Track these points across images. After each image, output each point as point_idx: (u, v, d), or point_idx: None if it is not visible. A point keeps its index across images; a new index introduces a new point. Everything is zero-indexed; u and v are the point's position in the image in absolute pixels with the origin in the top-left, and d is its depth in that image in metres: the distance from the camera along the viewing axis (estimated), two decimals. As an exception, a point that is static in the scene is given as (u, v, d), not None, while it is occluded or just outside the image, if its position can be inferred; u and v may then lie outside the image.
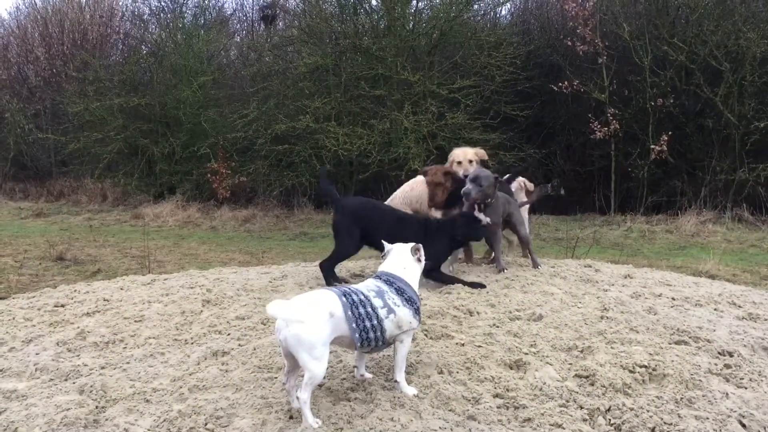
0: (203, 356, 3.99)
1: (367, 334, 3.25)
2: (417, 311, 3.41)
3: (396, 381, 3.45)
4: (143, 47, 19.71)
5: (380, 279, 3.47)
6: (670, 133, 12.91)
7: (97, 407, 3.36)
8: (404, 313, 3.35)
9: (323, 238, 11.72)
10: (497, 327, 4.45)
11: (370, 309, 3.26)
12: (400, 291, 3.40)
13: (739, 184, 12.78)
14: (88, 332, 4.50)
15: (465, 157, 6.27)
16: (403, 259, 3.55)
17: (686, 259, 9.27)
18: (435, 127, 14.02)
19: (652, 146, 13.05)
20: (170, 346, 4.25)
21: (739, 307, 5.11)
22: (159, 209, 14.83)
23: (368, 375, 3.61)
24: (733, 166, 12.92)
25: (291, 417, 3.22)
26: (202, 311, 4.85)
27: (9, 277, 7.85)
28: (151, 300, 5.24)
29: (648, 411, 3.27)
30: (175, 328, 4.55)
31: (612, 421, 3.19)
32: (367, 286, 3.40)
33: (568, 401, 3.39)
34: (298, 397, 3.06)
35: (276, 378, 3.67)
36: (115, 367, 3.91)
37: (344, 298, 3.23)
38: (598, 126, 13.46)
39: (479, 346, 4.05)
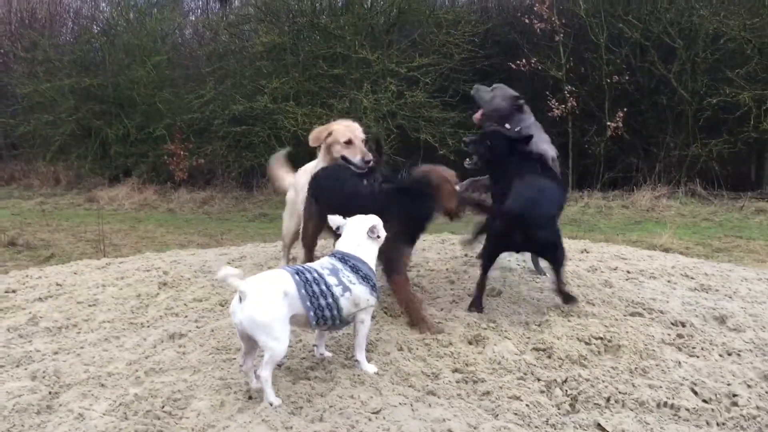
0: (160, 339, 3.93)
1: (322, 312, 3.22)
2: (374, 288, 3.39)
3: (357, 360, 3.44)
4: (94, 26, 19.14)
5: (335, 257, 3.42)
6: (625, 110, 13.08)
7: (50, 393, 3.30)
8: (360, 290, 3.32)
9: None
10: (456, 303, 4.48)
11: (324, 287, 3.23)
12: (355, 268, 3.37)
13: (692, 160, 13.04)
14: (41, 317, 4.41)
15: (356, 134, 4.58)
16: (356, 236, 3.50)
17: (641, 233, 9.45)
18: (395, 105, 13.96)
19: (609, 123, 13.20)
20: (125, 329, 4.18)
21: (692, 278, 5.24)
22: (114, 192, 14.53)
23: (328, 354, 3.60)
24: (687, 141, 13.17)
25: (250, 398, 3.19)
26: (158, 294, 4.78)
27: (-42, 263, 7.63)
28: (106, 284, 5.15)
29: (603, 381, 3.33)
30: (130, 312, 4.48)
31: (569, 392, 3.25)
32: (322, 264, 3.36)
33: (525, 374, 3.43)
34: (258, 375, 3.04)
35: (234, 359, 3.64)
36: (68, 352, 3.84)
37: (297, 277, 3.20)
38: (556, 103, 13.55)
39: (438, 322, 4.07)
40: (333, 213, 3.63)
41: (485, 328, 3.98)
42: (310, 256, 4.50)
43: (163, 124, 15.22)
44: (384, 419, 3.01)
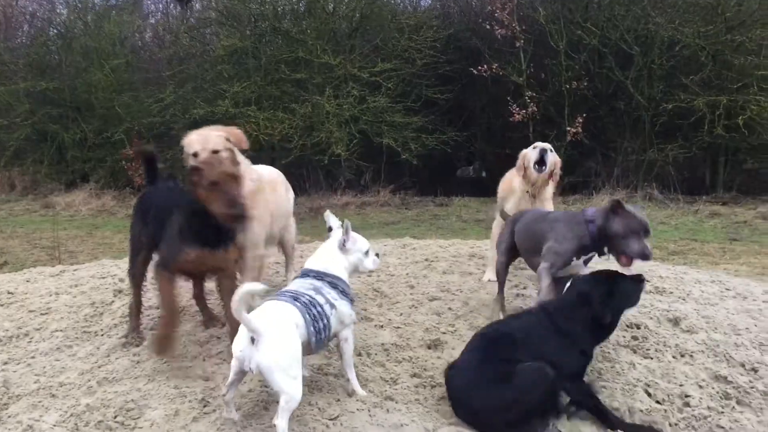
0: (113, 348, 3.85)
1: (320, 335, 3.07)
2: (353, 303, 3.28)
3: (348, 379, 3.29)
4: (51, 29, 18.75)
5: (309, 276, 3.26)
6: (584, 115, 13.28)
7: (-2, 405, 3.20)
8: (344, 306, 3.20)
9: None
10: (416, 308, 4.48)
11: (319, 309, 3.08)
12: (333, 284, 3.24)
13: (649, 164, 13.31)
14: (-9, 326, 4.28)
15: (205, 145, 3.82)
16: (328, 252, 3.36)
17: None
18: (357, 110, 13.96)
19: (568, 128, 13.39)
20: (78, 338, 4.09)
21: (647, 281, 5.30)
22: (71, 198, 14.23)
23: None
24: (644, 146, 13.43)
25: (205, 406, 3.15)
26: (113, 302, 4.68)
27: None
28: (60, 291, 5.02)
29: (560, 384, 3.35)
30: (84, 320, 4.38)
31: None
32: (302, 286, 3.18)
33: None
34: (274, 425, 2.75)
35: (190, 366, 3.59)
36: (18, 362, 3.74)
37: (298, 303, 3.04)
38: (517, 109, 13.71)
39: (398, 328, 4.07)
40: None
41: (444, 333, 4.00)
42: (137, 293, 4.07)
43: (122, 128, 14.97)
44: (342, 425, 2.99)
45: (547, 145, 5.23)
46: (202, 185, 3.41)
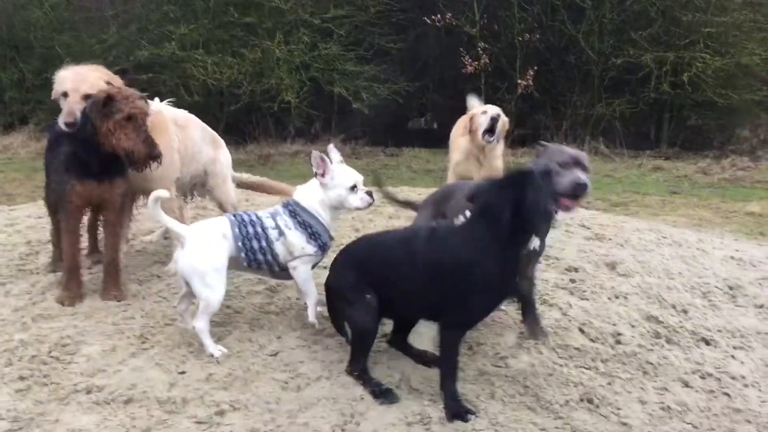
0: (49, 286, 3.77)
1: (254, 255, 3.16)
2: (313, 237, 3.23)
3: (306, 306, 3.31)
4: (-14, -38, 17.76)
5: (282, 204, 3.33)
6: (536, 68, 13.32)
7: None
8: (294, 236, 3.20)
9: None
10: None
11: (259, 229, 3.17)
12: (294, 213, 3.24)
13: (597, 118, 13.47)
14: None
15: (78, 85, 3.55)
16: (309, 184, 3.33)
17: (547, 188, 9.71)
18: (308, 57, 13.69)
19: (519, 81, 13.43)
20: (13, 276, 3.99)
21: (588, 228, 5.44)
22: (9, 140, 13.70)
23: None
24: (592, 101, 13.58)
25: (144, 342, 3.12)
26: (49, 241, 4.56)
27: None
28: (-6, 230, 4.88)
29: (498, 324, 3.43)
30: (19, 258, 4.28)
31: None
32: (268, 210, 3.31)
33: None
34: (194, 326, 3.03)
35: (129, 305, 3.55)
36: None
37: (233, 218, 3.19)
38: (469, 60, 13.65)
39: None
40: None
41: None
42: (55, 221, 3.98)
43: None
44: (281, 361, 3.01)
45: (497, 111, 5.24)
46: (113, 118, 3.28)
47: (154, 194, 3.00)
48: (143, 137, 3.33)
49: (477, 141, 5.26)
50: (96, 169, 3.42)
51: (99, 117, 3.28)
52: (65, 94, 3.55)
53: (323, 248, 3.28)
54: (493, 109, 5.34)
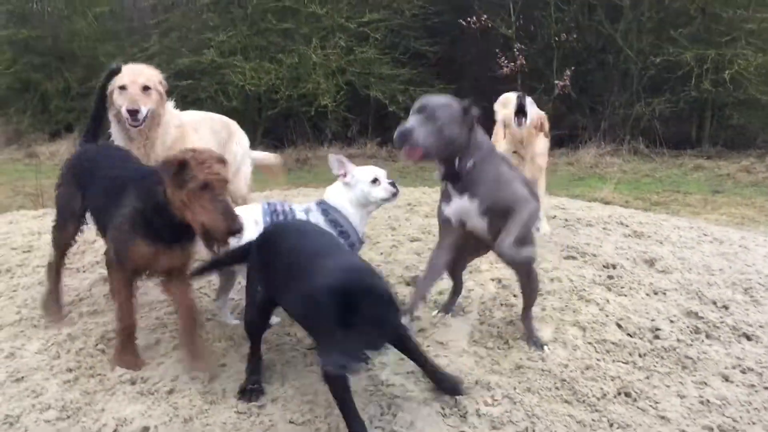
0: (95, 283, 3.89)
1: None
2: (341, 235, 3.30)
3: None
4: (32, -25, 18.32)
5: (316, 203, 3.42)
6: (573, 68, 13.21)
7: (-20, 334, 3.24)
8: None
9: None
10: (396, 248, 4.53)
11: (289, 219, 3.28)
12: (325, 212, 3.33)
13: (636, 118, 13.30)
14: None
15: (135, 78, 3.67)
16: (333, 186, 3.45)
17: (584, 188, 9.65)
18: (344, 61, 13.81)
19: (557, 82, 13.33)
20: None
21: (626, 226, 5.38)
22: (55, 147, 14.07)
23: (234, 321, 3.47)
24: (631, 100, 13.41)
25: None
26: (95, 241, 4.68)
27: None
28: (42, 232, 5.02)
29: (534, 318, 3.43)
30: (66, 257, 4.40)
31: (499, 333, 3.35)
32: (300, 205, 3.41)
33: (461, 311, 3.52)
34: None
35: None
36: (0, 296, 3.77)
37: (266, 206, 3.29)
38: (505, 62, 13.60)
39: (378, 266, 4.12)
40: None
41: (423, 270, 4.04)
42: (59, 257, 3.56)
43: (106, 78, 14.74)
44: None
45: (523, 95, 4.99)
46: (188, 187, 2.76)
47: None
48: (222, 209, 2.77)
49: (513, 133, 4.92)
50: (167, 235, 2.93)
51: (171, 185, 2.79)
52: (122, 87, 3.64)
53: (351, 248, 3.32)
54: (514, 94, 5.04)
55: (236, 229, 2.79)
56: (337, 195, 3.37)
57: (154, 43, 14.41)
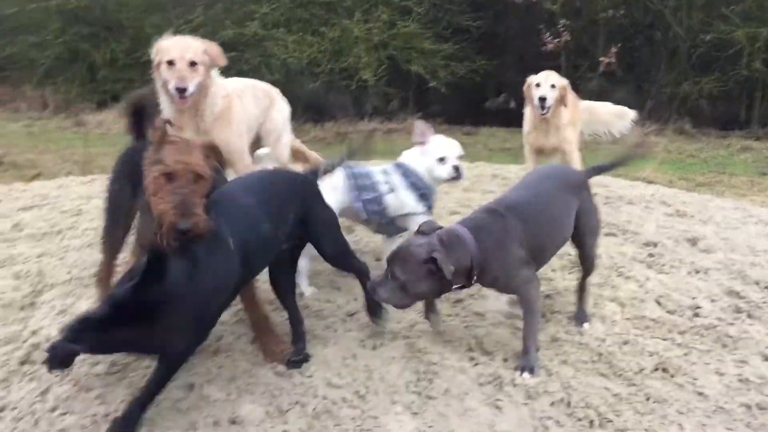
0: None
1: (365, 205, 3.45)
2: (423, 198, 3.52)
3: None
4: (81, -54, 18.55)
5: (394, 164, 3.63)
6: (619, 45, 12.94)
7: (33, 291, 3.39)
8: (404, 194, 3.49)
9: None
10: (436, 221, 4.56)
11: (369, 182, 3.46)
12: (406, 174, 3.53)
13: (683, 97, 13.00)
14: (25, 225, 4.46)
15: (183, 53, 3.67)
16: (412, 153, 3.62)
17: (627, 168, 9.46)
18: (386, 36, 13.75)
19: (602, 59, 13.08)
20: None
21: (669, 205, 5.33)
22: (102, 117, 14.34)
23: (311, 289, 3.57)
24: (678, 79, 13.10)
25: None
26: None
27: (-58, 178, 7.60)
28: (91, 196, 5.19)
29: (571, 293, 3.43)
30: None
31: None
32: (377, 167, 3.62)
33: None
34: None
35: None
36: (52, 256, 3.91)
37: (346, 170, 3.45)
38: (550, 38, 13.39)
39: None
40: None
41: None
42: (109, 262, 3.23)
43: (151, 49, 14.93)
44: (357, 321, 3.12)
45: (549, 82, 5.12)
46: (152, 172, 2.46)
47: (257, 152, 3.51)
48: (177, 202, 2.39)
49: (536, 111, 5.26)
50: None
51: (147, 167, 2.50)
52: (171, 63, 3.69)
53: (429, 210, 3.54)
54: (545, 82, 5.19)
55: (185, 228, 2.34)
56: (413, 160, 3.55)
57: (199, 14, 14.52)
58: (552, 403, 2.60)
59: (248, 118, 4.36)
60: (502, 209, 2.83)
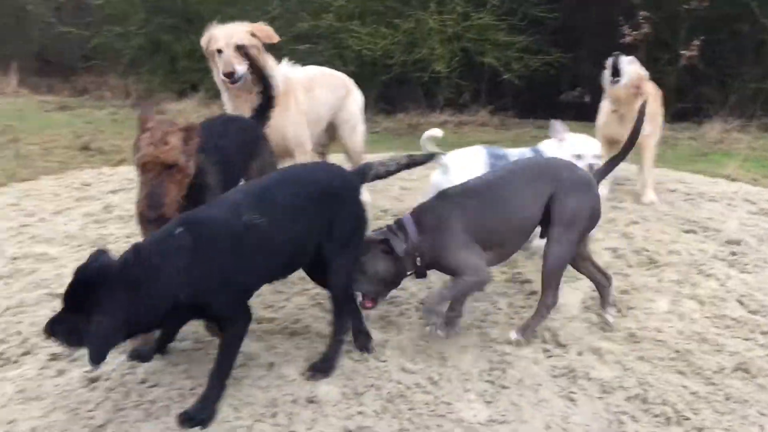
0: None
1: None
2: None
3: None
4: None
5: (531, 149, 3.83)
6: (702, 38, 12.48)
7: (123, 269, 3.54)
8: None
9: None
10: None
11: (506, 163, 3.54)
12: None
13: (769, 93, 12.47)
14: (114, 206, 4.69)
15: (228, 40, 3.84)
16: (550, 142, 3.84)
17: (707, 164, 9.17)
18: (461, 27, 13.67)
19: (683, 52, 12.65)
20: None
21: (753, 203, 5.16)
22: (182, 106, 14.78)
23: None
24: (765, 74, 12.55)
25: (307, 282, 3.37)
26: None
27: (36, 163, 8.02)
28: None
29: (650, 289, 3.39)
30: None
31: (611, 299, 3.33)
32: (516, 150, 3.82)
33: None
34: None
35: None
36: (139, 236, 4.08)
37: (486, 150, 3.67)
38: (629, 30, 13.03)
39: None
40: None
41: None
42: None
43: (229, 41, 15.28)
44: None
45: (626, 62, 5.03)
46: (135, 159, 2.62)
47: (426, 133, 3.64)
48: (146, 193, 2.58)
49: (609, 92, 5.10)
50: None
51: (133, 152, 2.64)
52: (219, 51, 3.85)
53: None
54: (624, 60, 5.13)
55: (150, 216, 2.57)
56: (551, 150, 3.72)
57: (276, 7, 14.76)
58: (627, 398, 2.59)
59: (319, 107, 4.42)
60: (453, 193, 2.98)
